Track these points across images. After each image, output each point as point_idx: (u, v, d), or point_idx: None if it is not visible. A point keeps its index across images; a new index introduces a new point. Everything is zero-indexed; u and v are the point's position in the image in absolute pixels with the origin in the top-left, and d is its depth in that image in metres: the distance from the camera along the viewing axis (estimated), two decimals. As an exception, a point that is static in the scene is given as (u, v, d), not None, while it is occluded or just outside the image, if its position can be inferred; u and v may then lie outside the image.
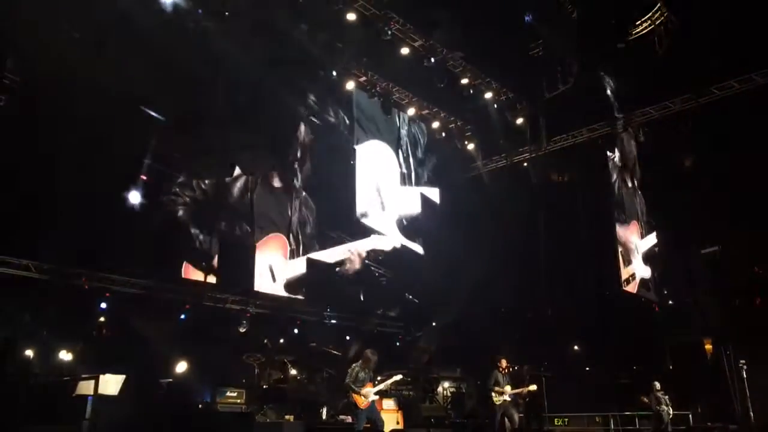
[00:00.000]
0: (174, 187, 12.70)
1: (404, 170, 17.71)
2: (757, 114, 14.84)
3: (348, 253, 15.55)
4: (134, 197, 11.83)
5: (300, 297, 14.63)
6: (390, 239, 16.56)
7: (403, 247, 16.98)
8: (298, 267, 14.68)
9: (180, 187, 12.78)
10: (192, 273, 12.82)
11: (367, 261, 16.29)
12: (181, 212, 12.76)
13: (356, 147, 16.35)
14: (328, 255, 15.21)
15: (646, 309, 18.66)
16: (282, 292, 14.34)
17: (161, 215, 12.36)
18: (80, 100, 10.79)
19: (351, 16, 13.76)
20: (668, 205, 18.71)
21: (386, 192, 17.19)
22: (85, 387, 8.58)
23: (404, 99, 17.23)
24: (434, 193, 18.60)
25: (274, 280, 14.15)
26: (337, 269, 15.43)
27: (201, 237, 12.95)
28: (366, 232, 16.19)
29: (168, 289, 12.89)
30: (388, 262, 16.63)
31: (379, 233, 16.40)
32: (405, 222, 17.52)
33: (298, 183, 15.25)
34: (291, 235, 14.82)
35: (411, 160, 17.78)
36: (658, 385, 13.83)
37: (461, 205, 18.32)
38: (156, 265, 12.28)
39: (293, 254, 14.71)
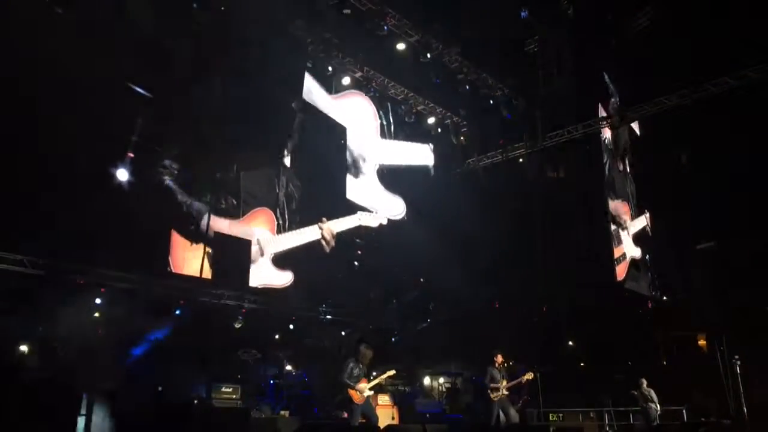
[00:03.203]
0: (163, 160, 12.66)
1: (384, 122, 17.58)
2: (751, 110, 14.90)
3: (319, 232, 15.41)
4: (122, 175, 11.80)
5: (289, 272, 14.53)
6: (376, 216, 16.46)
7: (390, 222, 16.89)
8: (286, 242, 14.67)
9: (170, 159, 12.76)
10: (181, 252, 12.75)
11: (358, 240, 16.29)
12: (167, 181, 12.73)
13: (336, 96, 16.21)
14: (307, 234, 15.16)
15: (640, 304, 18.76)
16: (270, 267, 14.27)
17: (148, 187, 12.29)
18: (70, 84, 10.68)
19: (347, 11, 13.72)
20: (664, 201, 18.80)
21: (366, 143, 17.19)
22: (81, 383, 8.56)
23: (400, 94, 17.21)
24: (425, 150, 18.50)
25: (262, 254, 14.13)
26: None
27: (188, 202, 12.90)
28: (353, 209, 16.17)
29: (163, 284, 12.86)
30: (377, 240, 16.65)
31: (366, 210, 16.36)
32: (385, 173, 17.50)
33: (285, 159, 15.22)
34: (278, 210, 14.79)
35: (390, 113, 17.57)
36: (644, 382, 13.93)
37: (456, 201, 18.29)
38: (146, 245, 12.18)
39: (280, 229, 14.69)
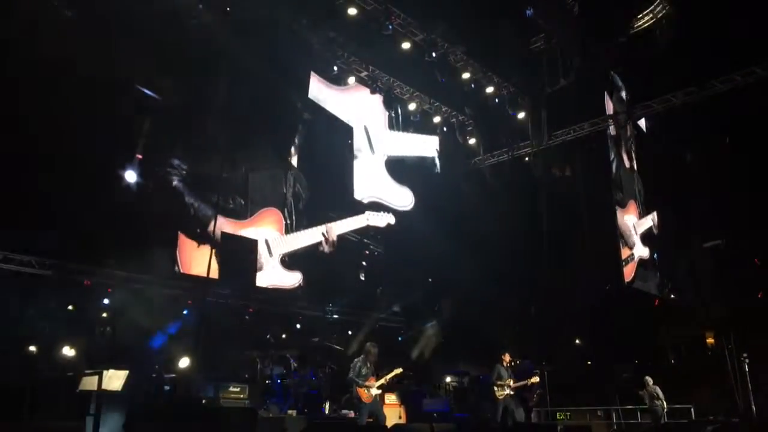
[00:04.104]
0: (171, 160, 12.64)
1: (392, 114, 17.46)
2: (759, 106, 14.82)
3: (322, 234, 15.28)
4: (130, 176, 11.80)
5: (298, 273, 14.50)
6: (384, 216, 16.37)
7: (398, 223, 16.78)
8: (294, 242, 14.65)
9: (177, 159, 12.74)
10: (188, 252, 12.74)
11: (366, 240, 16.24)
12: (175, 182, 12.72)
13: (343, 89, 16.17)
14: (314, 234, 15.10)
15: (648, 303, 18.69)
16: (279, 268, 14.26)
17: (156, 188, 12.30)
18: (78, 86, 10.69)
19: (352, 11, 13.74)
20: (671, 199, 18.72)
21: (374, 134, 17.15)
22: (89, 382, 8.59)
23: (405, 94, 17.21)
24: (431, 142, 18.38)
25: (270, 254, 14.11)
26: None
27: (196, 205, 12.89)
28: (361, 208, 16.14)
29: (170, 284, 12.89)
30: (385, 239, 16.61)
31: (373, 209, 16.30)
32: (393, 165, 17.48)
33: (292, 159, 15.18)
34: (286, 210, 14.76)
35: (398, 105, 17.37)
36: (650, 380, 13.91)
37: (462, 200, 18.27)
38: (154, 245, 12.18)
39: (288, 229, 14.65)
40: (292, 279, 14.51)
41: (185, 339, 12.15)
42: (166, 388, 11.07)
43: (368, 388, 10.04)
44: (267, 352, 13.12)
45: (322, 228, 15.14)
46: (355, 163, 16.56)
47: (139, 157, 11.99)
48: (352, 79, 16.01)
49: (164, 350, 11.84)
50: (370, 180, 16.77)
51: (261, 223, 14.22)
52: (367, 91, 16.65)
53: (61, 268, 11.51)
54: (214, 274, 12.32)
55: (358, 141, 16.76)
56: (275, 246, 14.26)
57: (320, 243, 15.11)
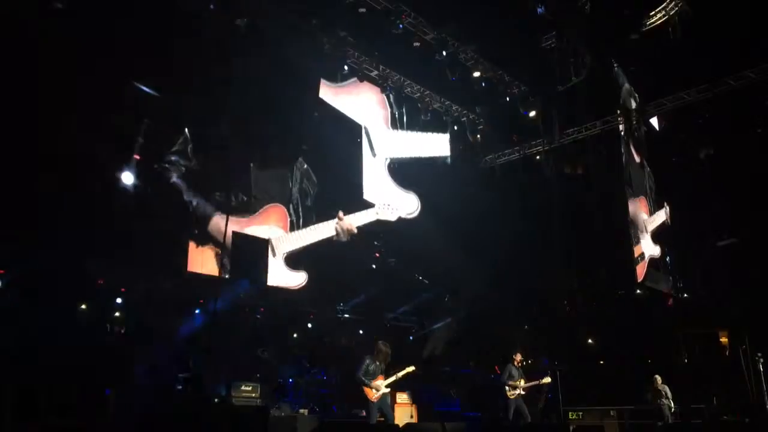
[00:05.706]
0: (169, 156, 12.42)
1: (394, 111, 16.83)
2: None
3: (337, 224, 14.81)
4: (127, 178, 11.68)
5: (303, 273, 14.19)
6: (394, 210, 15.74)
7: (406, 223, 16.28)
8: (299, 240, 14.29)
9: (176, 155, 12.51)
10: (198, 253, 12.70)
11: (376, 243, 16.11)
12: (174, 179, 12.47)
13: (342, 86, 15.71)
14: (323, 230, 14.72)
15: (661, 302, 18.59)
16: (283, 268, 14.00)
17: (155, 187, 12.12)
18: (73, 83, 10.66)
19: (362, 10, 13.72)
20: (684, 197, 18.60)
21: (375, 135, 16.59)
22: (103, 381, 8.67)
23: (416, 92, 17.16)
24: (441, 140, 17.76)
25: (274, 254, 13.77)
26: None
27: (194, 203, 12.67)
28: (370, 206, 15.70)
29: (182, 284, 12.94)
30: (394, 237, 16.28)
31: (383, 203, 15.70)
32: (396, 168, 16.79)
33: (300, 154, 14.99)
34: (291, 207, 14.44)
35: (404, 103, 16.83)
36: (659, 379, 13.84)
37: (473, 199, 18.21)
38: (164, 245, 12.15)
39: (293, 226, 14.34)
40: (297, 279, 14.19)
41: (196, 339, 12.22)
42: (179, 387, 11.13)
43: (375, 386, 10.04)
44: (278, 351, 13.15)
45: (333, 222, 14.82)
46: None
47: (137, 157, 11.90)
48: (362, 78, 15.96)
49: (174, 350, 11.89)
50: (373, 186, 16.18)
51: (265, 221, 14.00)
52: (369, 89, 16.34)
53: (72, 267, 11.56)
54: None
55: (362, 144, 16.38)
56: (279, 244, 13.96)
57: (332, 236, 14.71)
